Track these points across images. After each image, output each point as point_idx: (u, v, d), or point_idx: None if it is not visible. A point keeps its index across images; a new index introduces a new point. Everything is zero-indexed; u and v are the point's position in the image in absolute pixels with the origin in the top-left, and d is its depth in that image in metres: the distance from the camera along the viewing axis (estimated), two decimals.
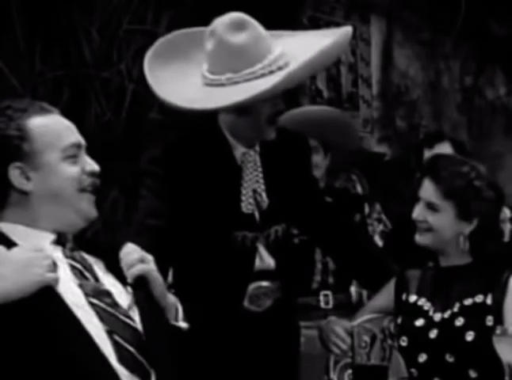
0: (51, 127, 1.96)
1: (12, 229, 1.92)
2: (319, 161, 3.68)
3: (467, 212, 2.50)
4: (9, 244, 1.87)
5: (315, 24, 5.77)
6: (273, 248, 2.65)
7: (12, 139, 1.91)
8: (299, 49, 2.54)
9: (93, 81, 4.36)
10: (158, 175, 2.59)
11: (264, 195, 2.64)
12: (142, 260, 1.97)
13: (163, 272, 2.52)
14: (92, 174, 1.99)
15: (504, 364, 2.26)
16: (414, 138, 5.87)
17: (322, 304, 3.46)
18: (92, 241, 2.08)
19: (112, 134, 4.17)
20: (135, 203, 2.61)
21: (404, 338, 2.52)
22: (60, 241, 1.96)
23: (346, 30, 2.58)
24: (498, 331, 2.28)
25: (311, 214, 2.82)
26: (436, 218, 2.51)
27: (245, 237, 2.62)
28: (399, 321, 2.58)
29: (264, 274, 2.65)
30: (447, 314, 2.47)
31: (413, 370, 2.52)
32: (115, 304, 1.90)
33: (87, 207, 1.99)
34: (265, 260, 2.64)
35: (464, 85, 6.38)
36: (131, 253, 1.98)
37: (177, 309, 2.09)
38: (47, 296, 1.80)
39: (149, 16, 4.73)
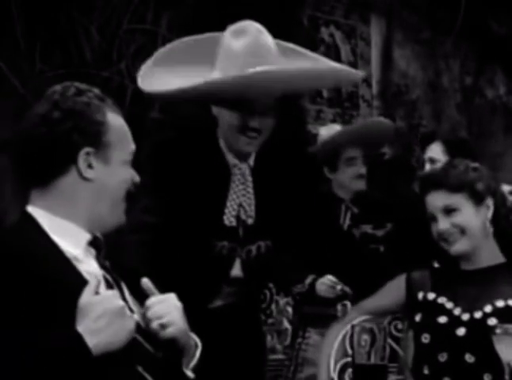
0: (124, 128, 1.93)
1: (48, 221, 1.82)
2: (363, 172, 3.71)
3: (479, 195, 2.53)
4: (46, 239, 1.78)
5: (315, 24, 5.78)
6: (252, 264, 2.66)
7: (96, 124, 1.84)
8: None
9: (93, 80, 4.36)
10: (152, 173, 2.58)
11: (250, 209, 2.63)
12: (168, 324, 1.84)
13: (159, 268, 2.54)
14: (135, 185, 1.95)
15: (504, 364, 2.26)
16: (414, 137, 5.88)
17: (339, 314, 3.48)
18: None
19: None
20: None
21: (426, 335, 2.49)
22: (95, 243, 1.88)
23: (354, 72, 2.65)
24: (498, 330, 2.27)
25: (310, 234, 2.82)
26: (461, 215, 2.53)
27: (223, 248, 2.62)
28: (418, 318, 2.55)
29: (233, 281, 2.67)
30: (478, 315, 2.45)
31: (426, 368, 2.49)
32: (139, 327, 1.81)
33: (123, 213, 1.93)
34: (237, 272, 2.66)
35: (464, 85, 6.38)
36: (156, 320, 1.83)
37: (196, 346, 1.97)
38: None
39: (149, 15, 4.74)
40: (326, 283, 3.45)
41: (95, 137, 1.83)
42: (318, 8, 5.79)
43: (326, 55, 5.65)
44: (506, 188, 2.64)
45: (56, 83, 1.92)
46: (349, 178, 3.70)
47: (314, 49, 5.34)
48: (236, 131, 2.54)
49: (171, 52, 2.66)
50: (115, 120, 1.89)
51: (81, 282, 1.74)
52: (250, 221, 2.64)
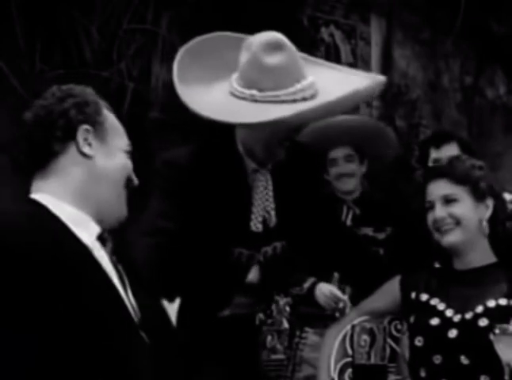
0: (118, 123, 1.97)
1: (58, 207, 1.81)
2: (355, 170, 3.70)
3: (481, 193, 2.55)
4: (61, 225, 1.77)
5: (315, 24, 5.78)
6: (269, 265, 2.66)
7: (92, 104, 1.90)
8: (329, 84, 2.50)
9: (93, 80, 4.36)
10: (170, 179, 2.58)
11: (273, 213, 2.63)
12: None
13: (172, 272, 2.54)
14: (133, 182, 1.98)
15: (503, 364, 2.26)
16: (413, 137, 5.88)
17: (336, 314, 3.48)
18: None
19: None
20: (138, 202, 2.60)
21: (420, 338, 2.49)
22: (102, 237, 1.87)
23: (380, 79, 2.55)
24: (497, 330, 2.27)
25: (318, 232, 2.81)
26: (458, 206, 2.55)
27: (241, 255, 2.62)
28: (412, 320, 2.56)
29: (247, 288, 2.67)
30: (469, 315, 2.46)
31: (422, 370, 2.50)
32: (141, 320, 1.85)
33: (125, 207, 1.94)
34: (253, 278, 2.66)
35: (464, 85, 6.38)
36: None
37: None
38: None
39: (149, 15, 4.74)
40: (328, 296, 3.45)
41: (92, 115, 1.89)
42: (318, 8, 5.79)
43: (326, 55, 5.66)
44: (507, 196, 2.65)
45: (56, 83, 1.95)
46: (333, 179, 3.71)
47: (314, 49, 5.36)
48: (279, 143, 2.55)
49: (194, 53, 2.60)
50: (110, 116, 1.95)
51: (101, 273, 1.78)
52: (271, 224, 2.64)
